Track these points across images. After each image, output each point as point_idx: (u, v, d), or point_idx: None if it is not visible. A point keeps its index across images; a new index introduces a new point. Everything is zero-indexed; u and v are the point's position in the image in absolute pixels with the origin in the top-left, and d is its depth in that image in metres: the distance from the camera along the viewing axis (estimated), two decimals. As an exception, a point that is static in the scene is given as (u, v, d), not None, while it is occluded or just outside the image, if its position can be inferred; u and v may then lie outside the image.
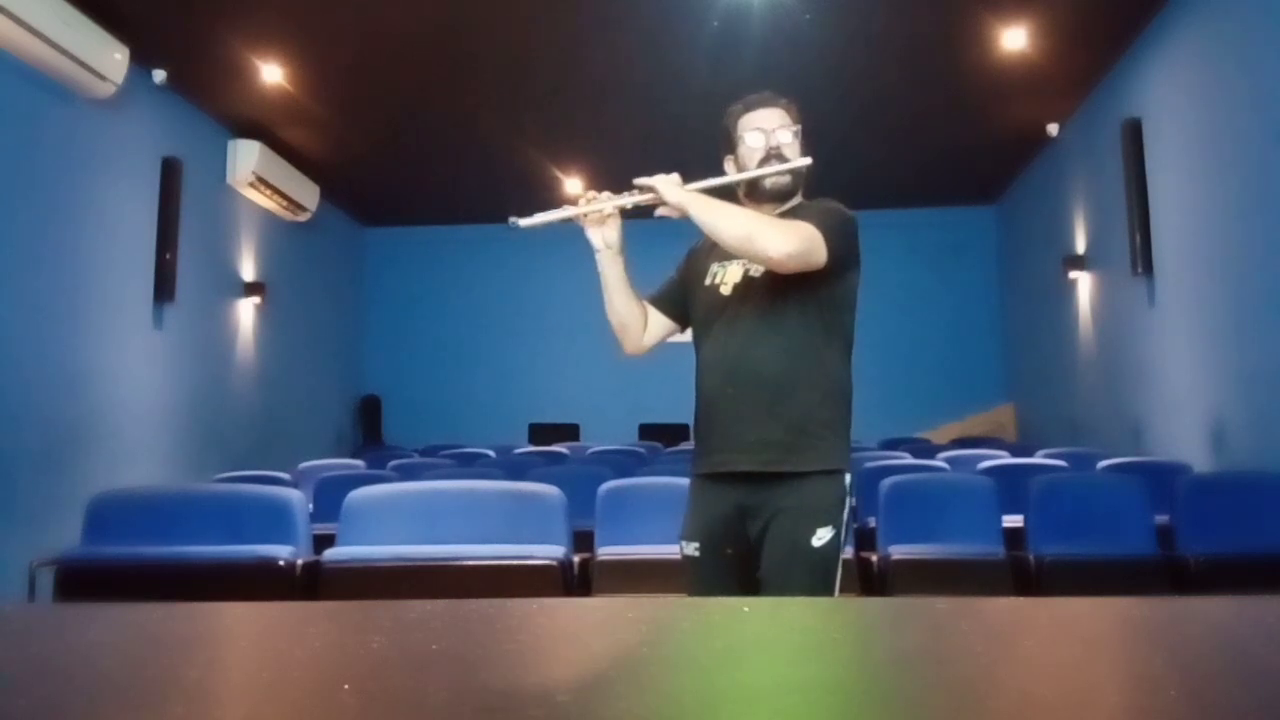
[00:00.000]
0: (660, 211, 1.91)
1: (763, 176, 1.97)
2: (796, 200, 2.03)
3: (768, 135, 2.00)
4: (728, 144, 2.07)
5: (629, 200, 1.93)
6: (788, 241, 1.80)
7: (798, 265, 1.82)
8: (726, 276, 1.99)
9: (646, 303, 2.11)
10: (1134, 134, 5.85)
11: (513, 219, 1.95)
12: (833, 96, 6.55)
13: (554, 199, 8.73)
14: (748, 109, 2.04)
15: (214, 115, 6.85)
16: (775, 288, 1.90)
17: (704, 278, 2.04)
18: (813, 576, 1.82)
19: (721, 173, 2.07)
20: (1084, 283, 7.13)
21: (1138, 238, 5.77)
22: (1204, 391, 5.09)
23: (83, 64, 5.07)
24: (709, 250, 2.06)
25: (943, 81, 6.49)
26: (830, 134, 7.49)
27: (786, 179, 1.99)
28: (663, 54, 6.10)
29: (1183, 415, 5.35)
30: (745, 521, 1.89)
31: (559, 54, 6.19)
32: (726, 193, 2.00)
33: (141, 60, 5.74)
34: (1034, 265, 8.40)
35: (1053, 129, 7.32)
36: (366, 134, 7.56)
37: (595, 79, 6.55)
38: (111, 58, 5.32)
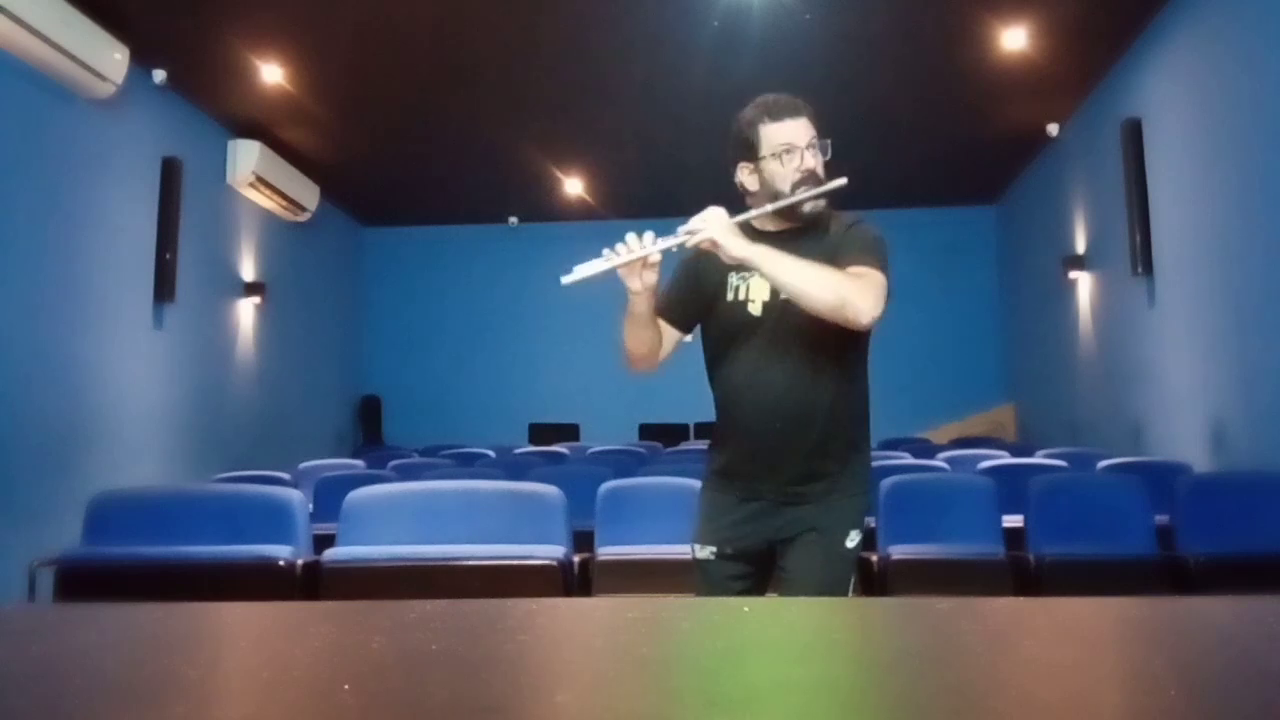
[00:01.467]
0: (710, 250, 1.80)
1: (801, 202, 1.87)
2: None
3: (800, 154, 1.89)
4: (746, 150, 1.93)
5: (675, 243, 1.82)
6: (876, 307, 1.75)
7: (875, 325, 1.79)
8: (751, 292, 1.91)
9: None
10: (1134, 134, 5.85)
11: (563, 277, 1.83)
12: (832, 96, 6.52)
13: (554, 199, 8.69)
14: (772, 117, 1.91)
15: (214, 115, 6.85)
16: (816, 316, 1.81)
17: (724, 290, 1.95)
18: (839, 574, 1.88)
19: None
20: (1084, 283, 7.13)
21: (1138, 238, 5.77)
22: (1204, 391, 5.09)
23: (83, 64, 5.06)
24: (718, 258, 1.96)
25: (943, 81, 6.49)
26: (830, 134, 7.46)
27: (823, 201, 1.91)
28: (663, 54, 6.09)
29: (1183, 415, 5.35)
30: (775, 533, 1.92)
31: (559, 54, 6.19)
32: (742, 204, 1.95)
33: (141, 60, 5.73)
34: (1034, 265, 8.40)
35: (1053, 129, 7.31)
36: (366, 134, 7.56)
37: (595, 79, 6.55)
38: (111, 58, 5.32)
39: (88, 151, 5.44)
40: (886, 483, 3.75)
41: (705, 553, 1.95)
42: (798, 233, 1.90)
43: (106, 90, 5.35)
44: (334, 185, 8.51)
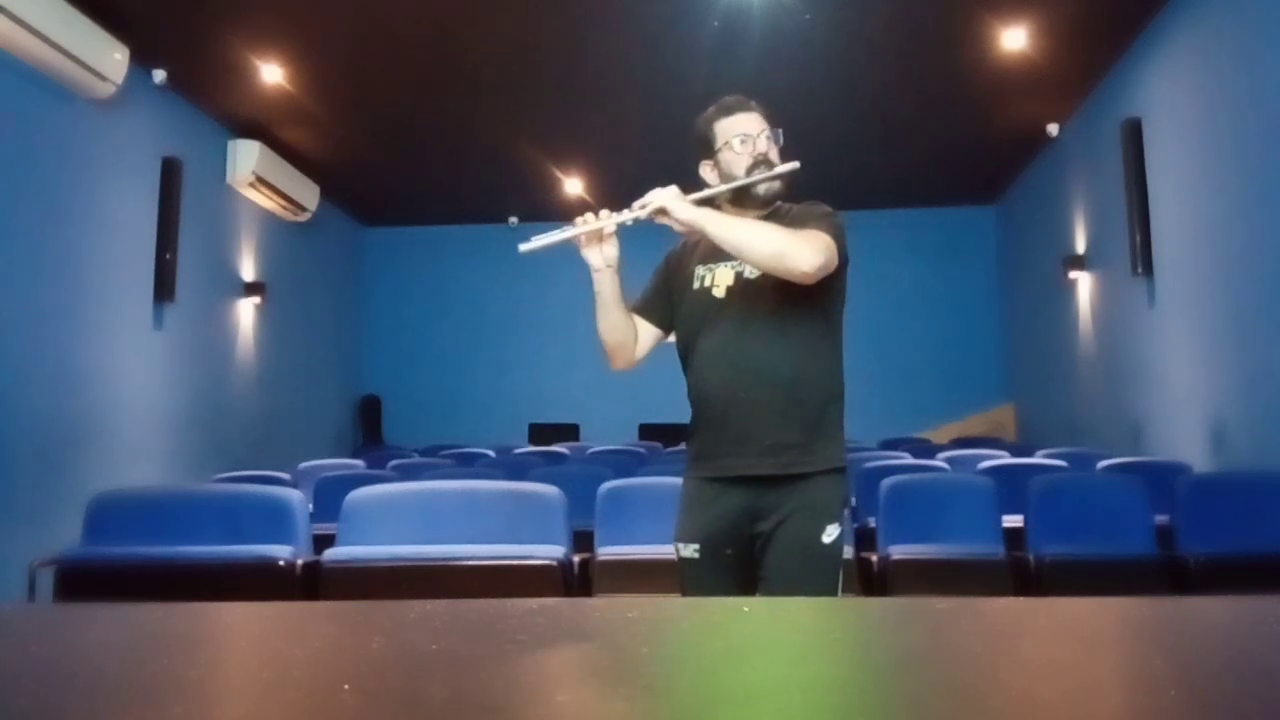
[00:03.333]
0: (664, 220, 1.89)
1: (755, 183, 1.97)
2: (778, 201, 2.04)
3: (753, 141, 2.00)
4: (705, 149, 2.05)
5: (630, 216, 1.91)
6: (816, 255, 1.81)
7: (820, 276, 1.84)
8: (717, 279, 1.99)
9: (633, 313, 2.10)
10: (1134, 134, 5.85)
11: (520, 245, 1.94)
12: (833, 96, 6.55)
13: (554, 199, 8.68)
14: (725, 114, 2.03)
15: (214, 115, 6.85)
16: (778, 289, 1.90)
17: (691, 281, 2.04)
18: (823, 573, 1.86)
19: (697, 176, 2.07)
20: (1084, 283, 7.13)
21: (1138, 238, 5.77)
22: (1204, 391, 5.09)
23: (83, 64, 5.06)
24: (690, 253, 2.06)
25: (943, 81, 6.49)
26: (830, 134, 7.48)
27: (778, 184, 2.00)
28: (663, 54, 6.10)
29: (1183, 415, 5.35)
30: (753, 523, 1.91)
31: (559, 54, 6.19)
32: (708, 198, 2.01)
33: (141, 60, 5.73)
34: (1034, 265, 8.40)
35: (1053, 129, 7.31)
36: (366, 134, 7.56)
37: (595, 79, 6.55)
38: (111, 58, 5.32)
39: (88, 151, 5.44)
40: (886, 483, 3.75)
41: (689, 550, 1.95)
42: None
43: (106, 90, 5.35)
44: (334, 185, 8.50)
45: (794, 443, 1.89)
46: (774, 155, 2.00)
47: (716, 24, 5.65)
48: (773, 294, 1.91)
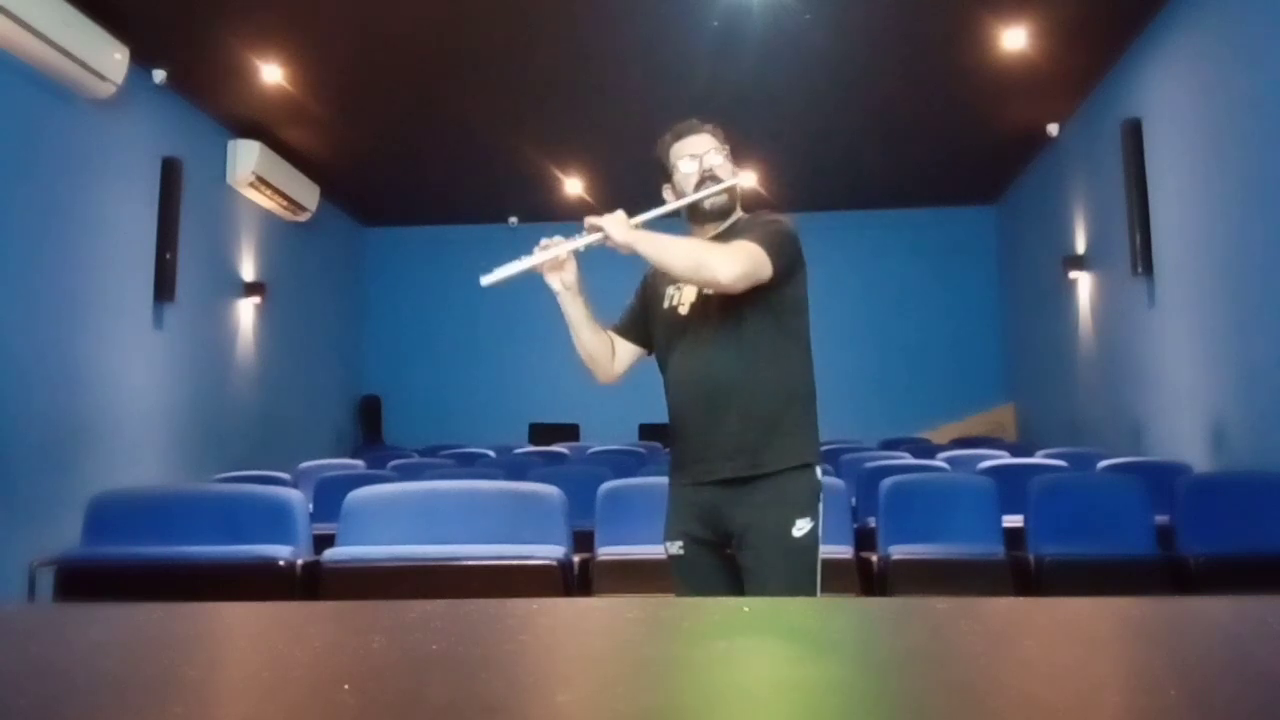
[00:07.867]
0: (611, 245, 1.97)
1: (701, 199, 2.06)
2: (736, 215, 2.12)
3: (700, 160, 2.09)
4: (663, 173, 2.16)
5: (582, 242, 2.00)
6: (733, 264, 1.89)
7: (747, 284, 1.91)
8: (683, 297, 2.08)
9: (612, 332, 2.20)
10: (1134, 134, 5.85)
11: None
12: (833, 97, 6.54)
13: (554, 199, 8.69)
14: (677, 138, 2.13)
15: (214, 115, 6.85)
16: (731, 303, 1.98)
17: (662, 300, 2.13)
18: (795, 567, 1.93)
19: (662, 201, 2.15)
20: (1084, 283, 7.13)
21: (1138, 238, 5.77)
22: (1204, 391, 5.09)
23: (83, 64, 5.06)
24: (662, 273, 2.12)
25: (943, 82, 6.49)
26: (830, 134, 7.48)
27: (723, 198, 2.08)
28: (663, 54, 6.09)
29: (1183, 415, 5.35)
30: (725, 522, 1.98)
31: (559, 54, 6.19)
32: (672, 217, 2.08)
33: (141, 60, 5.73)
34: (1034, 265, 8.40)
35: (1053, 129, 7.31)
36: (366, 134, 7.56)
37: (595, 79, 6.55)
38: (111, 58, 5.32)
39: (88, 151, 5.43)
40: (886, 483, 3.75)
41: (675, 548, 2.04)
42: (718, 238, 2.07)
43: (106, 90, 5.35)
44: (334, 185, 8.50)
45: (751, 446, 1.96)
46: (722, 172, 2.08)
47: (716, 24, 5.65)
48: (724, 308, 2.00)
